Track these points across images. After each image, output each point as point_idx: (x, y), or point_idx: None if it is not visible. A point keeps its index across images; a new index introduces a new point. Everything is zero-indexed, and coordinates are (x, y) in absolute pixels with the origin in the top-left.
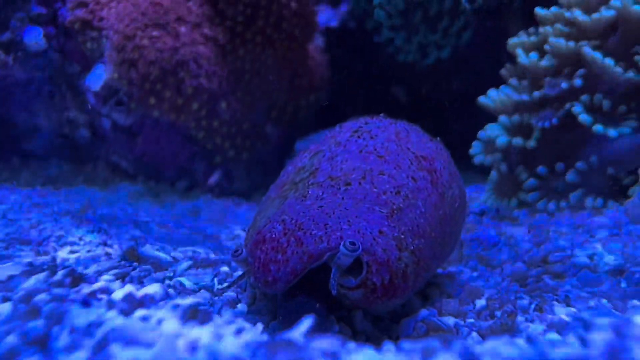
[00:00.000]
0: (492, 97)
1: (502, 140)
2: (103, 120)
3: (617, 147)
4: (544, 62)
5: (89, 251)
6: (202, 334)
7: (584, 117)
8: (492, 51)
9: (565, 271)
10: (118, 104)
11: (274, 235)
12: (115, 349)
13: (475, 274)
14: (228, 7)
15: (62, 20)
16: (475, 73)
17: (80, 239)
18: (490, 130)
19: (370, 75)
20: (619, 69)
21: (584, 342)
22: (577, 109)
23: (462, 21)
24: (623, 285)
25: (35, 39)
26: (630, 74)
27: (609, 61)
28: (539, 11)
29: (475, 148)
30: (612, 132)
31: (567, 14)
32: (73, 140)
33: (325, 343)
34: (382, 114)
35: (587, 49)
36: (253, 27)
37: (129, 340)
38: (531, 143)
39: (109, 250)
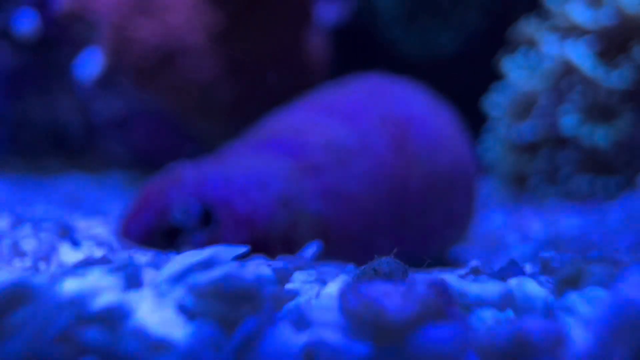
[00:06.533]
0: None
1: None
2: (96, 109)
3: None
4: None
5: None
6: None
7: (567, 121)
8: (498, 41)
9: (578, 249)
10: (111, 93)
11: (147, 188)
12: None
13: (481, 252)
14: None
15: (55, 8)
16: (480, 65)
17: (71, 213)
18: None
19: (372, 71)
20: (600, 71)
21: None
22: (564, 109)
23: (467, 11)
24: None
25: (29, 25)
26: (614, 78)
27: (587, 64)
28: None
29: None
30: (600, 138)
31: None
32: (66, 131)
33: None
34: (379, 71)
35: (570, 50)
36: (251, 17)
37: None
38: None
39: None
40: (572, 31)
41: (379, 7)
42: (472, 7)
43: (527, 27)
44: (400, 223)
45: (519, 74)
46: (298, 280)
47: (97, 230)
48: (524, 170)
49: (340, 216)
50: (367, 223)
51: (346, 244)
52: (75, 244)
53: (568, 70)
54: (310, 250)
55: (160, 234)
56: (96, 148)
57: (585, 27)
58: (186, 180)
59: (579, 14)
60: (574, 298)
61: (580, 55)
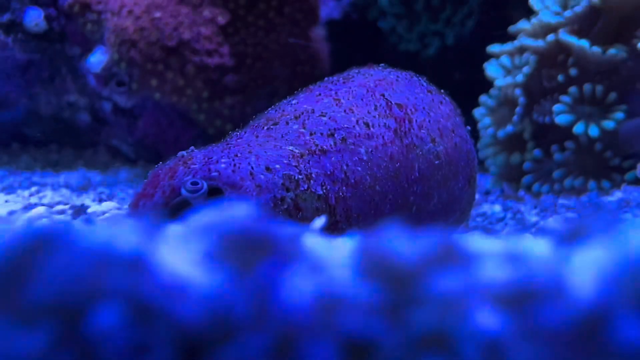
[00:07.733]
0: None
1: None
2: (103, 103)
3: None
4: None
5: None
6: None
7: (562, 119)
8: (495, 41)
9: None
10: (119, 85)
11: (158, 169)
12: None
13: None
14: None
15: (63, 2)
16: (477, 64)
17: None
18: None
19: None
20: (596, 49)
21: None
22: (558, 107)
23: (466, 10)
24: None
25: (36, 20)
26: (612, 51)
27: (584, 43)
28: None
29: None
30: (593, 131)
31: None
32: (73, 124)
33: None
34: (382, 64)
35: (563, 35)
36: (255, 10)
37: None
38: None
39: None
40: (548, 32)
41: (379, 2)
42: (471, 4)
43: (502, 47)
44: (403, 208)
45: (499, 72)
46: (308, 241)
47: (109, 212)
48: (517, 169)
49: (345, 200)
50: (372, 207)
51: (351, 227)
52: (89, 222)
53: (557, 58)
54: (318, 222)
55: (169, 213)
56: (103, 142)
57: (555, 24)
58: (196, 162)
59: (546, 16)
60: (574, 250)
61: (573, 37)
